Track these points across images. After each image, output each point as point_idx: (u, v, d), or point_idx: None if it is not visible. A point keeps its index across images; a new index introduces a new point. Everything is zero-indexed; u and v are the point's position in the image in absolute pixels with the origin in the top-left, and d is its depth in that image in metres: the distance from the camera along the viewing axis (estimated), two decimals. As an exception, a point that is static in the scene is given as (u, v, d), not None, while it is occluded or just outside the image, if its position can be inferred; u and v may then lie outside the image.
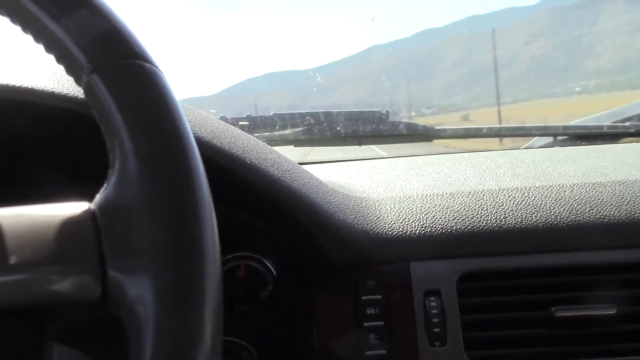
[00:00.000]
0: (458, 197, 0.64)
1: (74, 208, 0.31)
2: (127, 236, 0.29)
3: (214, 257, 0.30)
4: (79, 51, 0.32)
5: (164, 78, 0.33)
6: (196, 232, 0.30)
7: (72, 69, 0.33)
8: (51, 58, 0.33)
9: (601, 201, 0.61)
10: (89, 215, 0.31)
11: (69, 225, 0.30)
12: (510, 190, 0.65)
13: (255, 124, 1.01)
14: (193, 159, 0.31)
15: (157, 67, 0.33)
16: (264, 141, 0.64)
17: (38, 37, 0.33)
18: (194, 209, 0.30)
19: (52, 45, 0.32)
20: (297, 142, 1.02)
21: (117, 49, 0.32)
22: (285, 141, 1.01)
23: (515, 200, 0.62)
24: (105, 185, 0.31)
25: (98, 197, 0.31)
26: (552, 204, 0.61)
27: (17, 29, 0.33)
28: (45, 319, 0.34)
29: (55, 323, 0.39)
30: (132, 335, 0.29)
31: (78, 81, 0.33)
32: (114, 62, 0.32)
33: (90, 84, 0.32)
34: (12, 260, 0.29)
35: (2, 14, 0.33)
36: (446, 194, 0.65)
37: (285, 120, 1.02)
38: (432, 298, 0.56)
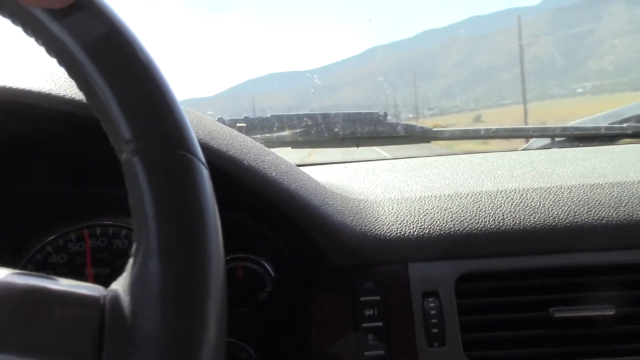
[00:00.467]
0: (456, 199, 0.64)
1: (85, 296, 0.30)
2: (131, 336, 0.29)
3: None
4: (126, 124, 0.30)
5: (205, 175, 0.32)
6: (203, 349, 0.29)
7: (115, 140, 0.31)
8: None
9: (599, 202, 0.61)
10: (98, 309, 0.30)
11: (76, 314, 0.29)
12: (508, 191, 0.65)
13: (252, 126, 1.00)
14: (217, 273, 0.30)
15: (200, 161, 0.32)
16: (261, 143, 0.64)
17: (89, 98, 0.32)
18: (206, 329, 0.29)
19: (100, 109, 0.31)
20: (295, 143, 1.01)
21: (164, 134, 0.31)
22: (282, 143, 1.00)
23: (513, 202, 0.62)
24: (124, 275, 0.30)
25: (113, 287, 0.30)
26: (550, 205, 0.62)
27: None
28: None
29: None
30: None
31: (118, 153, 0.31)
32: (159, 148, 0.30)
33: (129, 164, 0.30)
34: (7, 338, 0.27)
35: (62, 65, 0.32)
36: (444, 195, 0.65)
37: (283, 121, 1.01)
38: (431, 299, 0.56)
